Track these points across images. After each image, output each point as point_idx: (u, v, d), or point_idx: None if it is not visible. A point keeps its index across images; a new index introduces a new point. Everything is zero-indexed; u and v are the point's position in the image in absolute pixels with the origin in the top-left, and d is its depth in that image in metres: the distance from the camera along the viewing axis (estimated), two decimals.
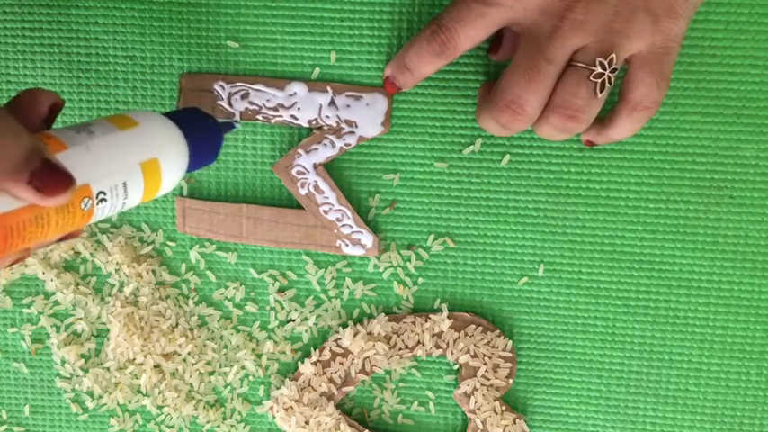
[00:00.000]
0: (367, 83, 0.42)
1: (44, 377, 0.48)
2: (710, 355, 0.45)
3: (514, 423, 0.45)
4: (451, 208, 0.44)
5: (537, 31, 0.35)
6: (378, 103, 0.42)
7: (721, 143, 0.42)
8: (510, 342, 0.45)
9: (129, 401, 0.48)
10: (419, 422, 0.47)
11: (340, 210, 0.44)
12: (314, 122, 0.43)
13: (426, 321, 0.45)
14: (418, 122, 0.43)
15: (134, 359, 0.47)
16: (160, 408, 0.48)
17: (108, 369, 0.48)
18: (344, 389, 0.46)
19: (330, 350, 0.46)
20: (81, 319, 0.47)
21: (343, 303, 0.46)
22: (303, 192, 0.44)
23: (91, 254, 0.46)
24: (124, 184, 0.31)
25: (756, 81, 0.41)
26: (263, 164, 0.44)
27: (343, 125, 0.43)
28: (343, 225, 0.44)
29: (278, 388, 0.47)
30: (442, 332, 0.45)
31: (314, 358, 0.46)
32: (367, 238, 0.44)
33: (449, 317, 0.45)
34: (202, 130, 0.36)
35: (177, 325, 0.47)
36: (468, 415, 0.45)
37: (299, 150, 0.43)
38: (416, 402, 0.47)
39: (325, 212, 0.44)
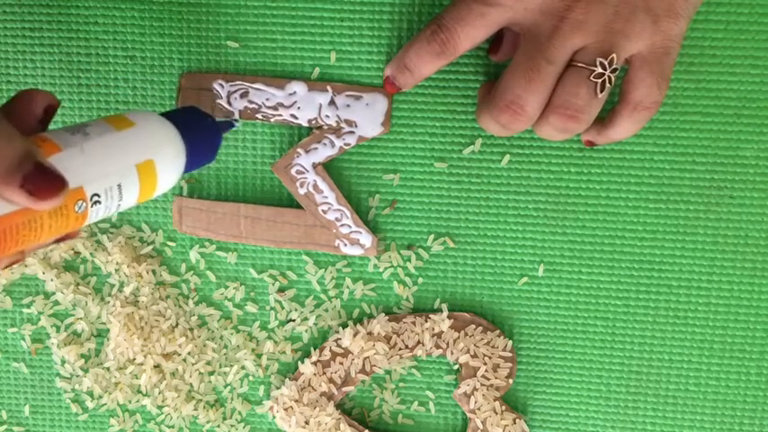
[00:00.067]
0: (367, 83, 0.42)
1: (44, 377, 0.48)
2: (710, 355, 0.45)
3: (514, 423, 0.45)
4: (451, 208, 0.44)
5: (537, 32, 0.35)
6: (378, 102, 0.42)
7: (721, 143, 0.42)
8: (510, 342, 0.45)
9: (129, 401, 0.48)
10: (419, 422, 0.47)
11: (339, 209, 0.44)
12: (314, 122, 0.43)
13: (426, 321, 0.45)
14: (418, 122, 0.43)
15: (134, 359, 0.47)
16: (160, 408, 0.48)
17: (108, 369, 0.48)
18: (344, 389, 0.46)
19: (330, 350, 0.46)
20: (81, 319, 0.47)
21: (343, 303, 0.46)
22: (302, 191, 0.44)
23: (91, 254, 0.46)
24: (119, 185, 0.31)
25: (756, 81, 0.41)
26: (262, 163, 0.44)
27: (342, 125, 0.42)
28: (341, 225, 0.44)
29: (278, 388, 0.47)
30: (442, 332, 0.45)
31: (314, 358, 0.46)
32: (366, 238, 0.44)
33: (449, 317, 0.45)
34: (200, 130, 0.36)
35: (177, 325, 0.47)
36: (469, 415, 0.45)
37: (299, 150, 0.43)
38: (416, 402, 0.47)
39: (324, 212, 0.44)
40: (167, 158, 0.33)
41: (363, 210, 0.44)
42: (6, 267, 0.31)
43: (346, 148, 0.43)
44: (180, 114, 0.35)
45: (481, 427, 0.45)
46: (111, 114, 0.33)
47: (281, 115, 0.43)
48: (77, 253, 0.47)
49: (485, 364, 0.45)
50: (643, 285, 0.44)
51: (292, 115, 0.43)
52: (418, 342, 0.45)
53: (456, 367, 0.46)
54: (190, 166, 0.35)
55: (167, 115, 0.34)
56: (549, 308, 0.45)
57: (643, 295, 0.44)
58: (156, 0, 0.42)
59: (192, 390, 0.48)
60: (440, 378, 0.46)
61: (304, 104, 0.42)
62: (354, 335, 0.45)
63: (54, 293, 0.47)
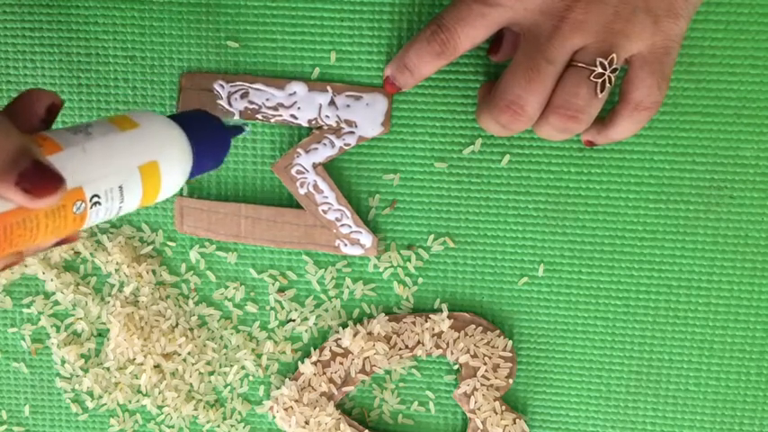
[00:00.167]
0: (367, 83, 0.42)
1: (44, 377, 0.48)
2: (710, 355, 0.45)
3: (514, 423, 0.45)
4: (451, 208, 0.44)
5: (537, 32, 0.35)
6: (378, 103, 0.42)
7: (721, 143, 0.42)
8: (510, 342, 0.45)
9: (129, 401, 0.48)
10: (419, 422, 0.47)
11: (339, 209, 0.44)
12: (314, 122, 0.43)
13: (426, 321, 0.45)
14: (418, 122, 0.43)
15: (134, 359, 0.47)
16: (160, 408, 0.48)
17: (108, 369, 0.48)
18: (344, 389, 0.46)
19: (330, 350, 0.46)
20: (81, 319, 0.47)
21: (343, 303, 0.46)
22: (302, 191, 0.44)
23: (91, 254, 0.46)
24: (120, 187, 0.30)
25: (756, 81, 0.41)
26: (262, 163, 0.44)
27: (342, 125, 0.42)
28: (342, 225, 0.44)
29: (278, 388, 0.47)
30: (442, 332, 0.45)
31: (314, 358, 0.46)
32: (366, 238, 0.44)
33: (449, 317, 0.45)
34: (208, 134, 0.34)
35: (177, 325, 0.47)
36: (469, 415, 0.45)
37: (299, 150, 0.43)
38: (416, 402, 0.47)
39: (324, 212, 0.44)
40: (172, 161, 0.32)
41: (363, 210, 0.44)
42: (4, 269, 0.31)
43: (346, 148, 0.43)
44: (187, 117, 0.34)
45: (481, 427, 0.45)
46: (114, 114, 0.32)
47: (281, 115, 0.43)
48: (77, 253, 0.47)
49: (485, 364, 0.45)
50: (643, 285, 0.44)
51: (292, 115, 0.43)
52: (418, 342, 0.45)
53: (456, 367, 0.46)
54: (196, 170, 0.34)
55: (174, 118, 0.33)
56: (549, 308, 0.45)
57: (643, 295, 0.44)
58: (156, 0, 0.42)
59: (191, 390, 0.48)
60: (440, 378, 0.46)
61: (304, 105, 0.42)
62: (354, 335, 0.45)
63: (54, 293, 0.47)
